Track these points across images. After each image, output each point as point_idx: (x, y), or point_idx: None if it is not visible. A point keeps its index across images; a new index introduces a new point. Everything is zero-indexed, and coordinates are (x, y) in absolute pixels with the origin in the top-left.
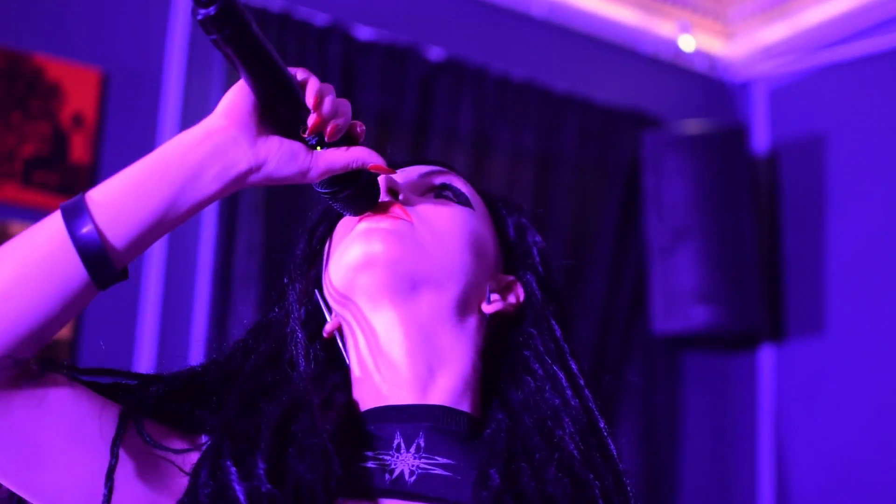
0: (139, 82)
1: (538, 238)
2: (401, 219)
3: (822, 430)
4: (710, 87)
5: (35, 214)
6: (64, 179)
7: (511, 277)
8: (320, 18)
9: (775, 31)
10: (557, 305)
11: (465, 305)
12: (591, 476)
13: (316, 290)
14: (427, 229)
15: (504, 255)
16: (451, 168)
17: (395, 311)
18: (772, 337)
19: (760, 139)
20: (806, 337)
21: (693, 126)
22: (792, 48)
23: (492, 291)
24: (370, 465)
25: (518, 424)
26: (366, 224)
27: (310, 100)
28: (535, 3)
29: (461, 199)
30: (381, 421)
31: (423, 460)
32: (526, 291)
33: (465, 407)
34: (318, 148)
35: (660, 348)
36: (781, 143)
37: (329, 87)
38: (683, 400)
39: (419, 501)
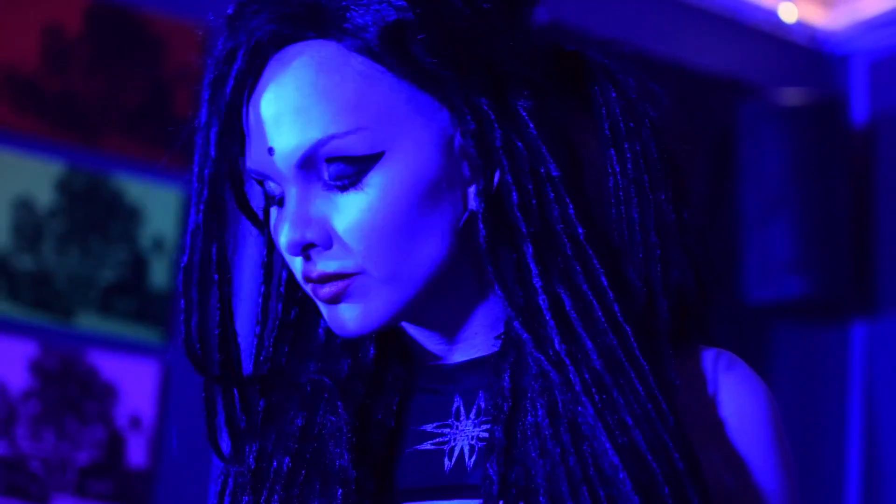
0: None
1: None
2: (345, 284)
3: None
4: (809, 57)
5: (136, 167)
6: (167, 131)
7: (458, 140)
8: None
9: (878, 3)
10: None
11: (456, 251)
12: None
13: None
14: (372, 260)
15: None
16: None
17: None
18: (864, 310)
19: (859, 112)
20: None
21: (791, 96)
22: (894, 21)
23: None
24: (428, 446)
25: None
26: (322, 306)
27: None
28: None
29: (365, 164)
30: (437, 381)
31: (483, 427)
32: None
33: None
34: None
35: (750, 317)
36: (880, 116)
37: None
38: (772, 370)
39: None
